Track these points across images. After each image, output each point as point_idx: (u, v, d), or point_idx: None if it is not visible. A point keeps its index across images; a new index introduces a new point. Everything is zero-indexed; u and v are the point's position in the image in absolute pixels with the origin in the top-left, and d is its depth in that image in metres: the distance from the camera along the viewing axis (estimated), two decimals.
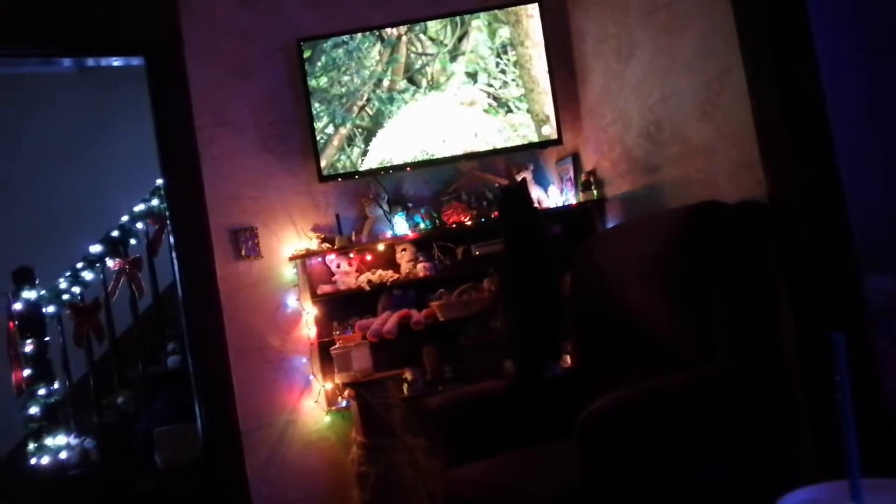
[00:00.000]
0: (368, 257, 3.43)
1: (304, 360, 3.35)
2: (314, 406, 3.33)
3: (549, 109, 3.37)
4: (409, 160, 3.36)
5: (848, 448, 0.59)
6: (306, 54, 3.34)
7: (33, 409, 4.65)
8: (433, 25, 3.38)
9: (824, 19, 2.34)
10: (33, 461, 4.54)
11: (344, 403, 3.25)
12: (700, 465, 2.01)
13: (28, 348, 4.70)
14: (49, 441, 4.58)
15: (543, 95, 3.38)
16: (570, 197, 3.47)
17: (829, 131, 2.29)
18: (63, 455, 4.55)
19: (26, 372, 4.67)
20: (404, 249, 3.39)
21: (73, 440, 4.61)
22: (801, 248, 2.30)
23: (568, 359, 2.88)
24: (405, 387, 3.24)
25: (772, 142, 2.37)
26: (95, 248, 4.71)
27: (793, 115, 2.30)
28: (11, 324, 4.76)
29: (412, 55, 3.38)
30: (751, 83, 2.42)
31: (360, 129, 3.36)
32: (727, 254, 2.27)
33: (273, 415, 3.30)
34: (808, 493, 0.62)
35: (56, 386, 4.78)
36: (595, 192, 3.36)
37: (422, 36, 3.38)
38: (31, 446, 4.60)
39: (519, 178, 3.15)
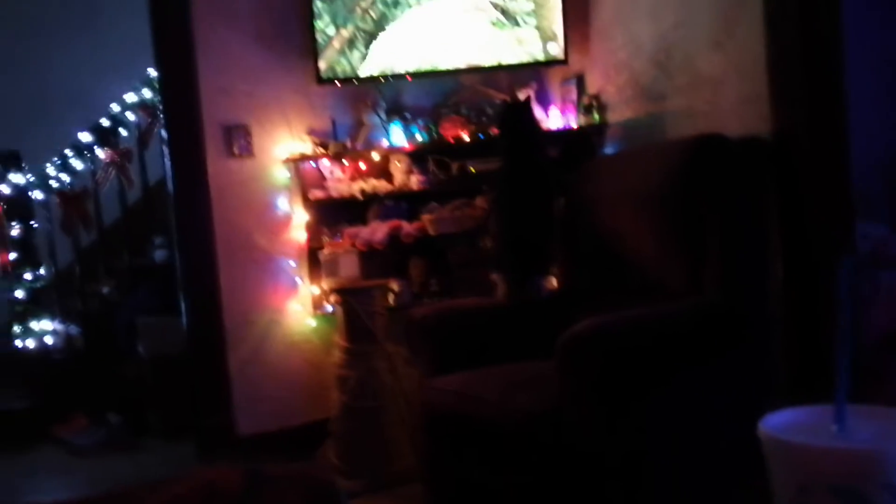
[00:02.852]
0: (362, 165, 3.38)
1: (292, 262, 3.34)
2: (299, 309, 3.34)
3: (557, 27, 3.28)
4: (410, 69, 3.28)
5: (840, 372, 0.59)
6: None
7: (18, 293, 4.67)
8: None
9: None
10: (18, 344, 4.59)
11: (329, 309, 3.26)
12: (678, 390, 2.04)
13: (14, 232, 4.68)
14: (34, 325, 4.61)
15: (553, 12, 3.28)
16: (570, 120, 3.41)
17: (845, 72, 2.24)
18: (48, 340, 4.59)
19: (12, 255, 4.66)
20: (399, 161, 3.34)
21: (57, 325, 4.65)
22: (800, 187, 2.28)
23: (554, 281, 2.89)
24: (391, 297, 3.25)
25: (784, 78, 2.32)
26: (85, 137, 4.63)
27: (809, 52, 2.25)
28: None
29: None
30: (770, 15, 2.35)
31: (362, 32, 3.27)
32: (725, 189, 2.25)
33: (257, 313, 3.30)
34: (790, 416, 0.63)
35: (42, 271, 4.79)
36: (597, 116, 3.30)
37: None
38: (16, 329, 4.64)
39: (523, 97, 3.09)
